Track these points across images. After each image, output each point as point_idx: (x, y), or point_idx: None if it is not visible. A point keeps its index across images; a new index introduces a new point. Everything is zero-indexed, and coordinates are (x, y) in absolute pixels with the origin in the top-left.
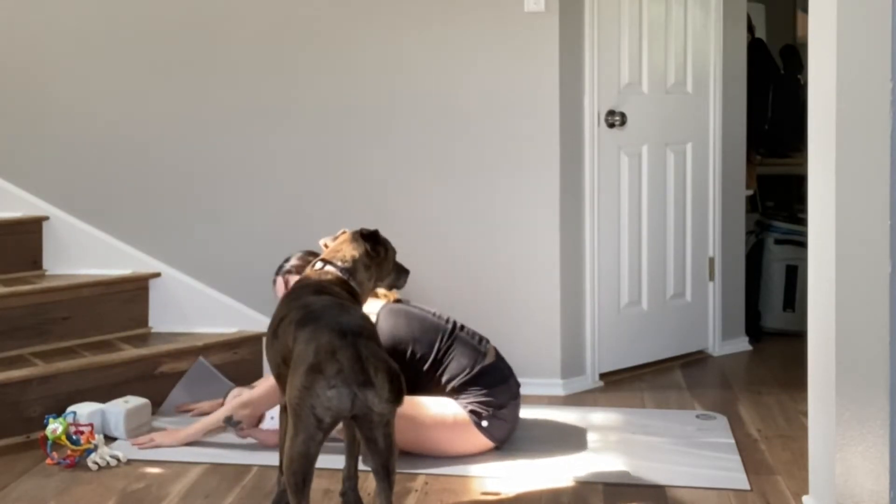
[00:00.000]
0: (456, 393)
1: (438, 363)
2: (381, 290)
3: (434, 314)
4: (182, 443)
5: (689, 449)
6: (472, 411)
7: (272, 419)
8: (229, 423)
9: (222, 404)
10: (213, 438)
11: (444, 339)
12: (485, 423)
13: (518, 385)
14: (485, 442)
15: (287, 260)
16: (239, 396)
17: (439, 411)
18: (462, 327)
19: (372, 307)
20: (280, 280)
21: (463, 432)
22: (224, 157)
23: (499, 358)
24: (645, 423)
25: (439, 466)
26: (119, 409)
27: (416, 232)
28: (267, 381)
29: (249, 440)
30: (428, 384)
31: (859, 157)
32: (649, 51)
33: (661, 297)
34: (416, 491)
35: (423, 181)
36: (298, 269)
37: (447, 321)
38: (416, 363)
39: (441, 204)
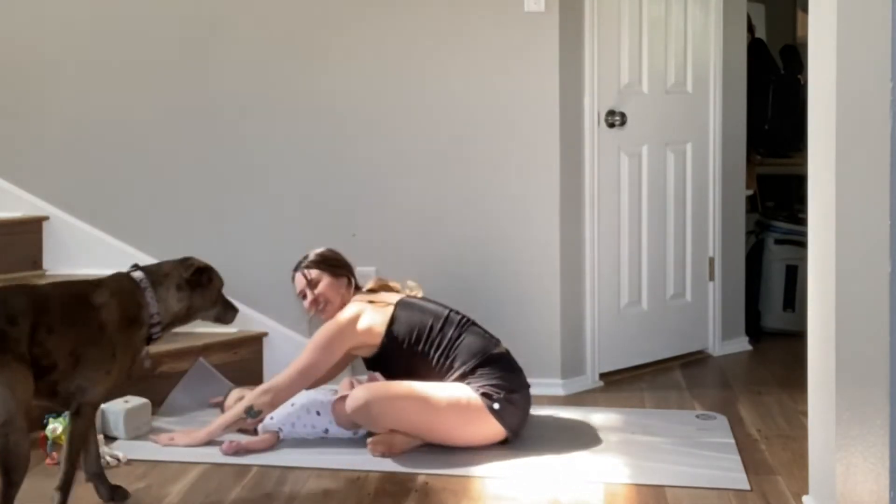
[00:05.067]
0: (468, 376)
1: (450, 348)
2: (395, 284)
3: (446, 307)
4: (202, 442)
5: (689, 449)
6: (483, 394)
7: (271, 419)
8: (250, 413)
9: (221, 403)
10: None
11: (456, 328)
12: (496, 406)
13: (528, 383)
14: (496, 429)
15: (306, 256)
16: (262, 386)
17: (452, 394)
18: (474, 322)
19: (388, 300)
20: (298, 275)
21: (475, 416)
22: (224, 156)
23: (509, 354)
24: (645, 423)
25: (439, 466)
26: (119, 409)
27: (416, 232)
28: (293, 366)
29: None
30: (440, 370)
31: (859, 157)
32: (649, 51)
33: (661, 297)
34: (416, 491)
35: (423, 180)
36: (316, 265)
37: (459, 314)
38: (429, 350)
39: (441, 203)
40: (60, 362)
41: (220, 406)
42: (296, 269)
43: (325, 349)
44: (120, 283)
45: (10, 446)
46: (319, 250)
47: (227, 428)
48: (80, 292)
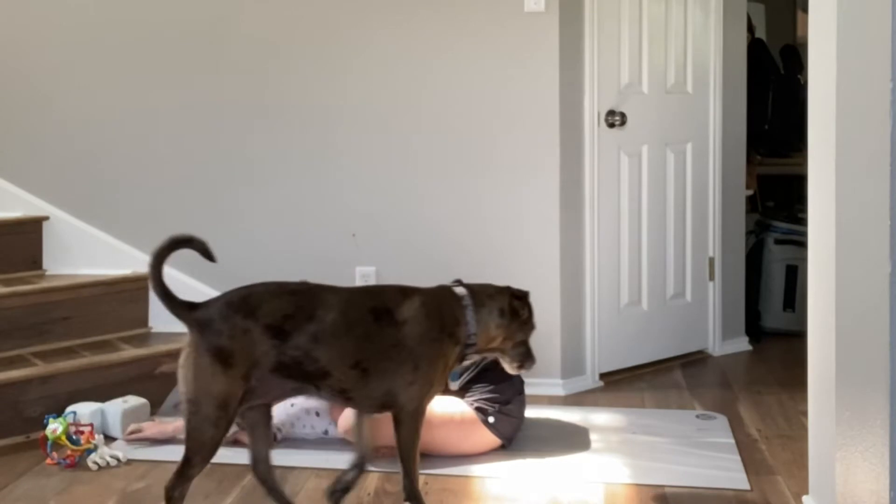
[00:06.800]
0: (461, 391)
1: None
2: None
3: None
4: (170, 435)
5: (689, 449)
6: (478, 408)
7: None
8: None
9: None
10: None
11: None
12: (491, 420)
13: (522, 382)
14: (492, 439)
15: None
16: None
17: (446, 409)
18: None
19: None
20: None
21: (470, 430)
22: (224, 157)
23: None
24: (645, 423)
25: (439, 466)
26: (116, 409)
27: (416, 231)
28: None
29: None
30: None
31: (859, 157)
32: (649, 51)
33: (661, 297)
34: None
35: (422, 181)
36: None
37: None
38: None
39: (440, 204)
40: (336, 372)
41: None
42: None
43: None
44: (439, 297)
45: (192, 428)
46: None
47: None
48: (383, 306)
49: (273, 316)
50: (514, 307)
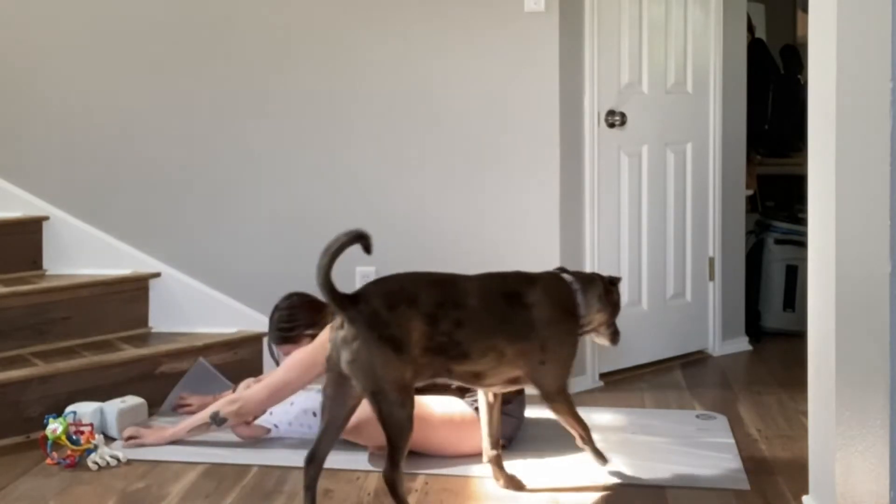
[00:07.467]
0: (461, 391)
1: None
2: None
3: None
4: (167, 441)
5: (689, 449)
6: (478, 408)
7: (270, 415)
8: (215, 419)
9: (215, 400)
10: (213, 438)
11: None
12: None
13: (521, 388)
14: None
15: (272, 317)
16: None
17: (446, 410)
18: None
19: None
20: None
21: (470, 430)
22: (224, 156)
23: None
24: (645, 423)
25: (439, 466)
26: (113, 409)
27: (415, 232)
28: (265, 381)
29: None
30: (432, 386)
31: (859, 157)
32: (649, 51)
33: (661, 297)
34: (416, 491)
35: (422, 181)
36: (283, 340)
37: None
38: None
39: (441, 204)
40: (474, 355)
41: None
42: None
43: (300, 370)
44: (556, 282)
45: (385, 415)
46: (279, 313)
47: (192, 431)
48: (512, 291)
49: (429, 304)
50: (609, 291)
